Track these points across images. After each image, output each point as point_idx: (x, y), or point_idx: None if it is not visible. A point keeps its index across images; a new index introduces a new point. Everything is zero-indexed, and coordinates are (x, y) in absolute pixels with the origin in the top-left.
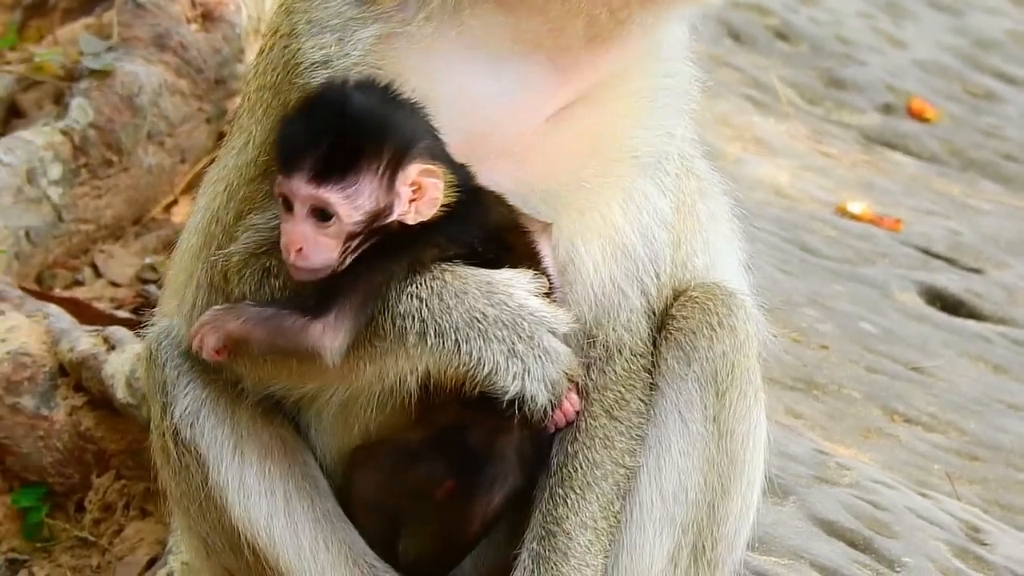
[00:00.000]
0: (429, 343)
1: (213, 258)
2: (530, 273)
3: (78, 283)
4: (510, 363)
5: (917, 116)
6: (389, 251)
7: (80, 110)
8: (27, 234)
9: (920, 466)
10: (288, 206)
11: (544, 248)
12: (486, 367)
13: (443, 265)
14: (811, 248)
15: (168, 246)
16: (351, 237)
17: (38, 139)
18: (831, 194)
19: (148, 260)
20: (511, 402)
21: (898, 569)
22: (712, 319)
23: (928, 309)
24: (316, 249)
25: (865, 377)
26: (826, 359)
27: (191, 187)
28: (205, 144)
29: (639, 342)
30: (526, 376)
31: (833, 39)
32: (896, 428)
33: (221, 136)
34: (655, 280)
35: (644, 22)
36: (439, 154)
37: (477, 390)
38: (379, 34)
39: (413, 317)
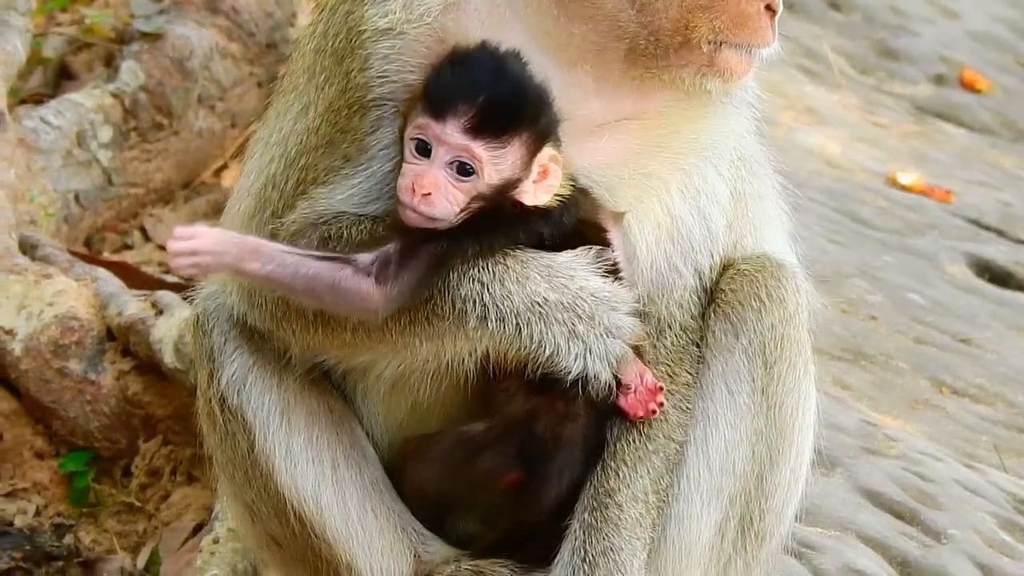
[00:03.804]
0: (490, 327)
1: (271, 226)
2: (591, 253)
3: (127, 247)
4: (571, 344)
5: (969, 87)
6: (470, 229)
7: (131, 73)
8: (76, 197)
9: (967, 438)
10: (423, 150)
11: (615, 238)
12: (547, 349)
13: (505, 250)
14: (861, 219)
15: (218, 210)
16: (476, 199)
17: (88, 101)
18: (882, 164)
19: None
20: (574, 382)
21: (944, 541)
22: (761, 291)
23: (977, 281)
24: (444, 199)
25: (913, 348)
26: (875, 330)
27: (241, 151)
28: (256, 108)
29: (689, 318)
30: (588, 355)
31: (886, 9)
32: (944, 400)
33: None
34: (710, 259)
35: (683, 80)
36: (560, 144)
37: (539, 372)
38: (445, 4)
39: (474, 301)
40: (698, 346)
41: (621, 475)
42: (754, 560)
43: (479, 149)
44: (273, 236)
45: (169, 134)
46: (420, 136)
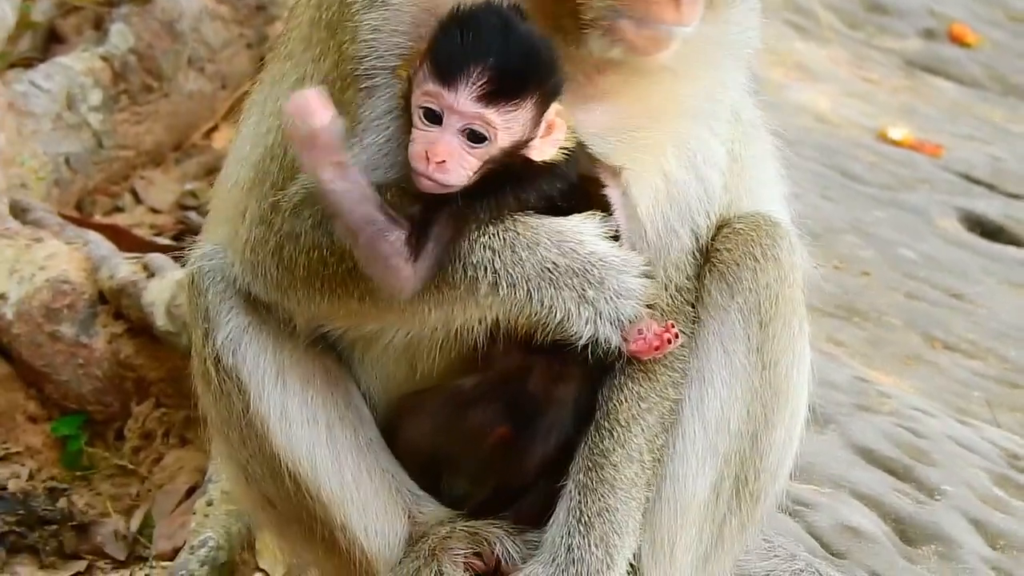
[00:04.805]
0: (501, 294)
1: (272, 198)
2: (599, 218)
3: (118, 209)
4: (581, 309)
5: (958, 41)
6: (481, 189)
7: (120, 36)
8: (67, 160)
9: (960, 394)
10: (433, 117)
11: (614, 195)
12: (558, 315)
13: (515, 215)
14: (852, 174)
15: (209, 172)
16: (488, 162)
17: (78, 65)
18: (872, 120)
19: (188, 186)
20: (584, 346)
21: (938, 497)
22: (756, 250)
23: (969, 235)
24: (459, 166)
25: (905, 304)
26: (867, 286)
27: (232, 113)
28: (246, 70)
29: (684, 279)
30: (598, 320)
31: None
32: (936, 355)
33: (262, 61)
34: (707, 220)
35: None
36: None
37: (549, 337)
38: None
39: (485, 268)
40: (693, 306)
41: (615, 435)
42: (749, 519)
43: (493, 116)
44: (275, 208)
45: (159, 96)
46: (429, 104)
